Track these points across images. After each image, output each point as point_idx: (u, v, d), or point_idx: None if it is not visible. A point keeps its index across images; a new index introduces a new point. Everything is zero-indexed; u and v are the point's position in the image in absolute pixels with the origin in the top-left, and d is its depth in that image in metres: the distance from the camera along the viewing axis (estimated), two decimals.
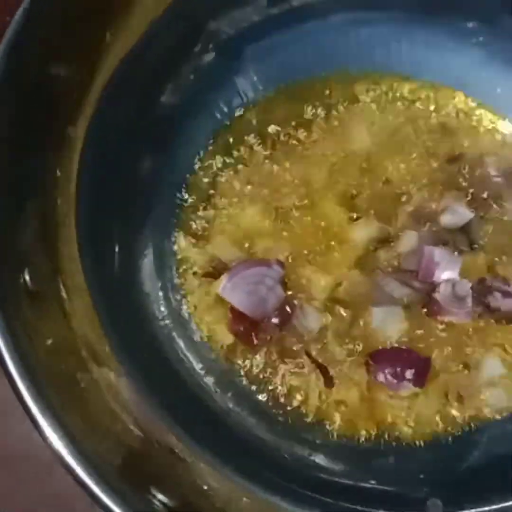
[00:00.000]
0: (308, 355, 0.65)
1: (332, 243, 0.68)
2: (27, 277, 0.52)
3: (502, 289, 0.67)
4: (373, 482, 0.60)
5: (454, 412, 0.65)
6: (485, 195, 0.71)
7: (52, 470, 0.67)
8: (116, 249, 0.64)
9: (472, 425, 0.64)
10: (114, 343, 0.58)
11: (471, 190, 0.71)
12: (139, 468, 0.52)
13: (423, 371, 0.64)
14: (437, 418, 0.64)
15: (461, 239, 0.69)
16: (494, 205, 0.70)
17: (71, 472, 0.46)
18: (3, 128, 0.51)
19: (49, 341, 0.52)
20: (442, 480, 0.61)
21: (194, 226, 0.69)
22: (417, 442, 0.64)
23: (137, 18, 0.61)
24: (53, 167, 0.56)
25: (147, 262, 0.67)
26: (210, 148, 0.72)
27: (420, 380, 0.64)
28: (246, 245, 0.68)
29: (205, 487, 0.54)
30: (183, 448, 0.56)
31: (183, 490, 0.52)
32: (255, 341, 0.65)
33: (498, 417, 0.65)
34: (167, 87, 0.69)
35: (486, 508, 0.54)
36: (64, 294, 0.55)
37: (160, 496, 0.48)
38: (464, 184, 0.71)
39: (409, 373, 0.63)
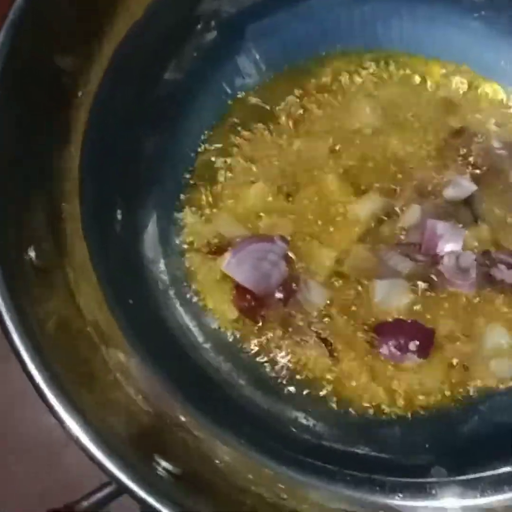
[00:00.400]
0: (312, 329, 0.65)
1: (336, 218, 0.69)
2: (32, 254, 0.53)
3: (507, 261, 0.67)
4: (377, 451, 0.61)
5: (458, 382, 0.64)
6: (488, 168, 0.70)
7: (52, 469, 0.68)
8: (120, 227, 0.65)
9: (476, 394, 0.64)
10: (120, 320, 0.58)
11: (474, 163, 0.70)
12: (146, 439, 0.52)
13: (427, 342, 0.64)
14: (442, 389, 0.64)
15: (465, 212, 0.69)
16: (498, 178, 0.70)
17: (76, 440, 0.47)
18: (9, 112, 0.53)
19: (56, 318, 0.53)
20: (446, 449, 0.61)
21: (198, 203, 0.70)
22: (422, 412, 0.64)
23: None
24: (57, 146, 0.57)
25: (152, 239, 0.68)
26: (214, 126, 0.72)
27: (424, 351, 0.64)
28: (250, 221, 0.68)
29: (214, 459, 0.55)
30: (190, 420, 0.56)
31: (190, 460, 0.53)
32: (260, 316, 0.66)
33: (502, 386, 0.64)
34: (169, 66, 0.69)
35: (488, 473, 0.54)
36: (69, 272, 0.56)
37: (165, 464, 0.49)
38: (467, 157, 0.71)
39: (413, 345, 0.63)
